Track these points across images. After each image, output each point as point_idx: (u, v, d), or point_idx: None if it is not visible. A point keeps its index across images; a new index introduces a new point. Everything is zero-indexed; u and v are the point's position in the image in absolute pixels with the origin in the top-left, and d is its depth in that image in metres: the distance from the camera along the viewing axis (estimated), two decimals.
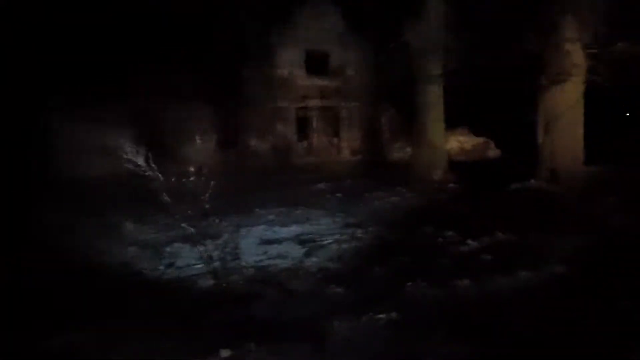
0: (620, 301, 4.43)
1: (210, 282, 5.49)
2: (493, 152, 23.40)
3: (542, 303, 4.59)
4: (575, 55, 10.25)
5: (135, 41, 16.48)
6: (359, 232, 7.64)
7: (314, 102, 19.86)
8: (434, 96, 13.50)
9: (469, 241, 6.82)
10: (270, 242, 7.26)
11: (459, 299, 4.76)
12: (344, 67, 19.71)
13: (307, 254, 6.51)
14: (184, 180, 12.75)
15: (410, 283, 5.10)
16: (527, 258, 5.91)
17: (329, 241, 7.17)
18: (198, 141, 17.78)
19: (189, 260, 6.40)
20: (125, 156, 6.60)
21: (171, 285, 5.71)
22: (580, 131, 10.61)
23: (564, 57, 10.25)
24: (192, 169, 7.40)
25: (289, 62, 19.04)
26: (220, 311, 4.62)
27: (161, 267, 6.43)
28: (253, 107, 18.50)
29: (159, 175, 11.11)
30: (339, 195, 11.67)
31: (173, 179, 13.68)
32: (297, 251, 6.73)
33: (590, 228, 7.39)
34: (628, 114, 25.82)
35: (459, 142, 22.87)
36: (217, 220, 8.76)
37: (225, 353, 3.74)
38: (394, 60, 15.49)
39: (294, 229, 8.10)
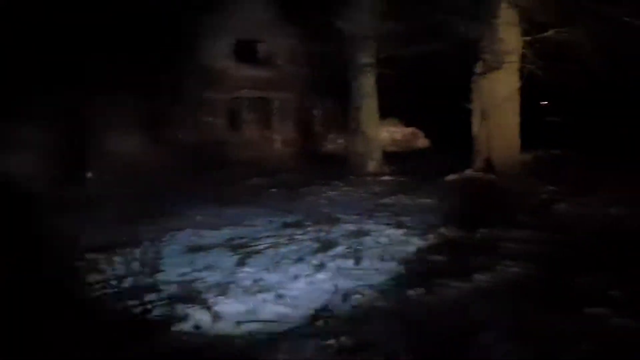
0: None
1: (121, 303, 4.51)
2: (422, 142, 23.31)
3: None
4: (511, 42, 9.90)
5: (55, 30, 14.86)
6: (298, 234, 6.85)
7: (245, 93, 18.85)
8: (367, 86, 12.92)
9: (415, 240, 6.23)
10: (197, 250, 6.33)
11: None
12: (276, 57, 18.78)
13: (240, 263, 5.65)
14: (99, 179, 11.51)
15: None
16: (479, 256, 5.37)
17: (265, 245, 6.33)
18: (121, 136, 16.45)
19: (98, 275, 5.36)
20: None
21: (73, 309, 4.68)
22: (516, 120, 10.33)
23: (499, 44, 9.88)
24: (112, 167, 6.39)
25: (218, 52, 17.90)
26: (132, 342, 3.68)
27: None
28: (181, 99, 17.24)
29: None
30: (274, 190, 10.84)
31: (89, 175, 12.30)
32: (228, 260, 5.84)
33: (536, 219, 7.01)
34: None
35: (389, 133, 22.59)
36: (136, 225, 7.80)
37: None
38: (327, 49, 14.79)
39: (225, 233, 7.19)
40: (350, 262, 5.39)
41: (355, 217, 7.90)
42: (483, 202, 8.34)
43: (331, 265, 5.37)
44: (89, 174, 14.10)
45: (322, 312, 4.11)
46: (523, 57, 10.13)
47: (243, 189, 11.21)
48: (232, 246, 6.37)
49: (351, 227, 7.12)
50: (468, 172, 10.61)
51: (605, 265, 4.87)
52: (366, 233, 6.68)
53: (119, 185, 11.22)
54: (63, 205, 8.52)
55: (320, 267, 5.31)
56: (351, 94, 13.15)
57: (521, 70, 10.21)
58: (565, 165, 11.63)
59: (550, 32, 10.01)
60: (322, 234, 6.77)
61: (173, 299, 4.57)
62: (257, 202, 9.36)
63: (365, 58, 12.83)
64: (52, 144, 14.16)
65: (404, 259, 5.44)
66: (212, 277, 5.21)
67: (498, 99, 10.04)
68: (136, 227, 7.58)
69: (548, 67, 10.06)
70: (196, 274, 5.36)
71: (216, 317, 4.14)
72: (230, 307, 4.34)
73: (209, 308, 4.29)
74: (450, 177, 10.47)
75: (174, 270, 5.59)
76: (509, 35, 9.92)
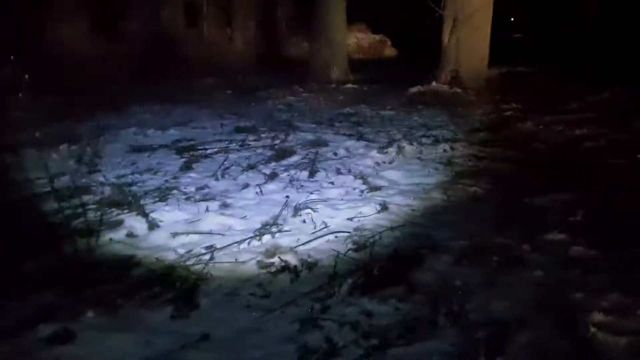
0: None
1: (48, 205, 4.03)
2: (390, 50, 22.53)
3: None
4: None
5: None
6: (250, 140, 6.41)
7: None
8: None
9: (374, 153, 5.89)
10: (141, 150, 5.83)
11: None
12: None
13: (185, 168, 5.22)
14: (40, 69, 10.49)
15: None
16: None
17: (214, 150, 5.88)
18: (64, 21, 15.02)
19: (33, 172, 4.83)
20: None
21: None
22: (487, 32, 9.81)
23: None
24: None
25: None
26: (48, 249, 3.25)
27: None
28: None
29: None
30: (229, 92, 10.21)
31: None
32: (173, 163, 5.39)
33: (499, 136, 6.76)
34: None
35: (356, 39, 21.68)
36: (77, 120, 7.16)
37: (46, 330, 2.50)
38: None
39: (172, 133, 6.67)
40: (304, 174, 5.03)
41: (314, 125, 7.47)
42: (446, 117, 8.01)
43: (284, 175, 5.01)
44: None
45: (269, 226, 3.78)
46: None
47: (196, 88, 10.51)
48: (178, 148, 5.91)
49: (309, 136, 6.71)
50: (434, 85, 10.19)
51: (566, 186, 4.67)
52: (324, 143, 6.29)
53: (59, 77, 10.31)
54: None
55: (273, 176, 4.95)
56: None
57: None
58: (531, 82, 11.34)
59: None
60: (277, 142, 6.35)
61: (107, 202, 4.16)
62: (210, 104, 8.76)
63: None
64: None
65: (361, 173, 5.11)
66: (153, 181, 4.79)
67: (471, 8, 9.43)
68: (76, 123, 6.96)
69: None
70: (136, 177, 4.93)
71: (152, 225, 3.77)
72: (170, 215, 3.97)
73: (145, 215, 3.91)
74: (415, 88, 10.04)
75: (113, 171, 5.14)
76: None
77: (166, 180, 4.80)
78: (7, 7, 13.49)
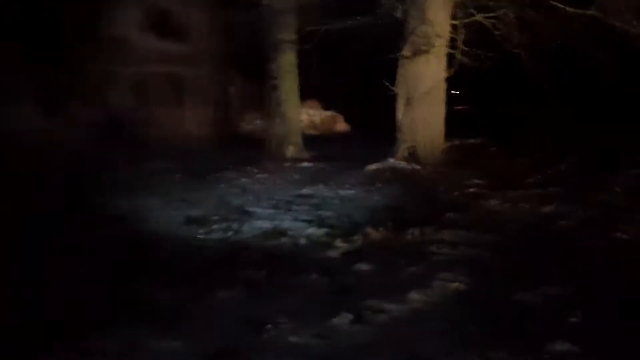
0: None
1: None
2: (342, 126, 22.61)
3: None
4: (440, 24, 9.20)
5: None
6: (199, 233, 5.74)
7: (154, 68, 17.10)
8: (288, 64, 11.81)
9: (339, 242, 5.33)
10: None
11: None
12: (189, 29, 17.15)
13: None
14: None
15: None
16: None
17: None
18: (13, 108, 14.13)
19: None
20: None
21: None
22: (442, 108, 9.71)
23: (428, 25, 9.14)
24: None
25: (124, 22, 16.02)
26: None
27: None
28: (81, 70, 15.23)
29: None
30: (178, 176, 9.57)
31: None
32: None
33: (467, 217, 6.35)
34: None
35: (308, 115, 21.67)
36: None
37: None
38: (245, 22, 13.53)
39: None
40: (261, 274, 4.38)
41: (270, 211, 6.88)
42: (409, 196, 7.61)
43: (239, 275, 4.34)
44: None
45: (225, 354, 3.07)
46: (451, 42, 9.50)
47: (144, 173, 9.81)
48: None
49: (266, 224, 6.11)
50: (391, 161, 9.88)
51: (553, 277, 4.21)
52: (283, 233, 5.70)
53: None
54: None
55: (224, 280, 4.26)
56: (269, 72, 12.00)
57: (448, 56, 9.58)
58: (486, 154, 11.26)
59: (478, 17, 9.43)
60: (230, 234, 5.70)
61: None
62: (157, 190, 8.06)
63: (285, 33, 11.70)
64: None
65: (327, 269, 4.51)
66: None
67: (424, 86, 9.34)
68: None
69: (474, 54, 9.51)
70: None
71: None
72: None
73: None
74: (373, 166, 9.69)
75: None
76: (437, 17, 9.21)
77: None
78: None
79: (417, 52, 9.32)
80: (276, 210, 6.96)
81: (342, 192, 8.05)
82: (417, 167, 9.39)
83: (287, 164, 10.85)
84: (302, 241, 5.40)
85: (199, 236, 5.62)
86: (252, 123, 17.75)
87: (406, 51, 9.57)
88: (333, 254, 5.00)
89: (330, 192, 8.13)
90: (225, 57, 17.19)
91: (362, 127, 19.33)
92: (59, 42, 14.25)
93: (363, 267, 4.56)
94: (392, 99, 10.29)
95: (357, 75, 21.76)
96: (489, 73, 11.61)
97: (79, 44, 14.70)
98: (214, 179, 9.22)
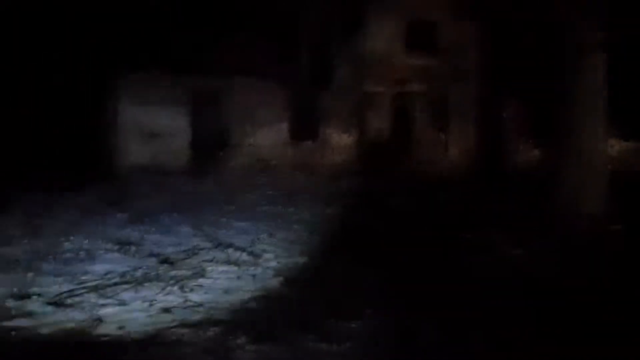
0: None
1: None
2: None
3: None
4: None
5: None
6: None
7: (415, 87, 14.66)
8: (591, 77, 7.75)
9: None
10: None
11: None
12: (456, 43, 14.14)
13: None
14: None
15: None
16: None
17: None
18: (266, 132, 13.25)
19: None
20: None
21: None
22: None
23: None
24: None
25: (383, 37, 14.00)
26: None
27: None
28: (333, 90, 13.73)
29: None
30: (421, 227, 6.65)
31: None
32: None
33: None
34: None
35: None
36: None
37: None
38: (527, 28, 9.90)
39: None
40: None
41: None
42: None
43: None
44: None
45: None
46: None
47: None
48: None
49: None
50: None
51: None
52: None
53: None
54: None
55: None
56: (561, 90, 8.07)
57: None
58: None
59: None
60: None
61: None
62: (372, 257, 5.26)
63: (590, 34, 7.68)
64: None
65: None
66: None
67: None
68: None
69: None
70: None
71: None
72: None
73: None
74: None
75: None
76: None
77: None
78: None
79: None
80: None
81: None
82: None
83: (585, 227, 6.80)
84: None
85: None
86: (528, 155, 13.67)
87: None
88: None
89: None
90: (499, 74, 13.60)
91: None
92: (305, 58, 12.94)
93: None
94: None
95: None
96: None
97: (330, 61, 13.18)
98: (473, 244, 5.96)
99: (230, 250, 5.69)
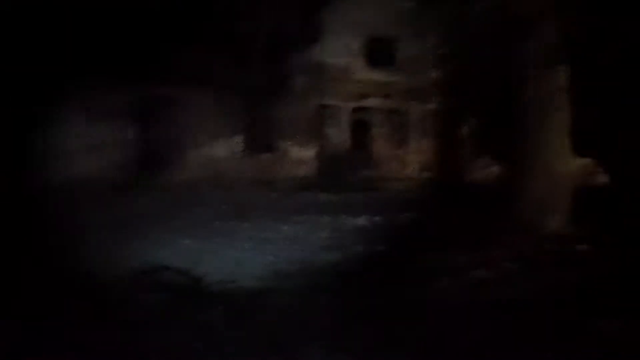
0: None
1: None
2: (602, 179, 16.47)
3: None
4: None
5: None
6: None
7: (374, 102, 14.36)
8: (552, 88, 7.48)
9: None
10: None
11: None
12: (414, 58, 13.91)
13: None
14: None
15: None
16: None
17: None
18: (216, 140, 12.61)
19: None
20: None
21: None
22: None
23: None
24: None
25: (343, 50, 13.65)
26: None
27: None
28: (291, 103, 13.23)
29: None
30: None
31: None
32: None
33: None
34: None
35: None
36: None
37: None
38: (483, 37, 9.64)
39: None
40: None
41: None
42: None
43: None
44: None
45: None
46: None
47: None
48: None
49: None
50: None
51: None
52: None
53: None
54: None
55: None
56: (520, 102, 7.80)
57: None
58: None
59: None
60: None
61: None
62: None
63: (548, 44, 7.44)
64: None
65: None
66: None
67: None
68: None
69: None
70: None
71: None
72: None
73: None
74: None
75: None
76: None
77: None
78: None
79: None
80: None
81: None
82: None
83: (549, 245, 6.46)
84: None
85: None
86: (486, 171, 13.47)
87: None
88: None
89: None
90: (458, 88, 13.44)
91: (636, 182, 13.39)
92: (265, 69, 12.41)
93: None
94: None
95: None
96: None
97: (287, 73, 12.69)
98: (432, 267, 5.48)
99: (167, 273, 5.01)
